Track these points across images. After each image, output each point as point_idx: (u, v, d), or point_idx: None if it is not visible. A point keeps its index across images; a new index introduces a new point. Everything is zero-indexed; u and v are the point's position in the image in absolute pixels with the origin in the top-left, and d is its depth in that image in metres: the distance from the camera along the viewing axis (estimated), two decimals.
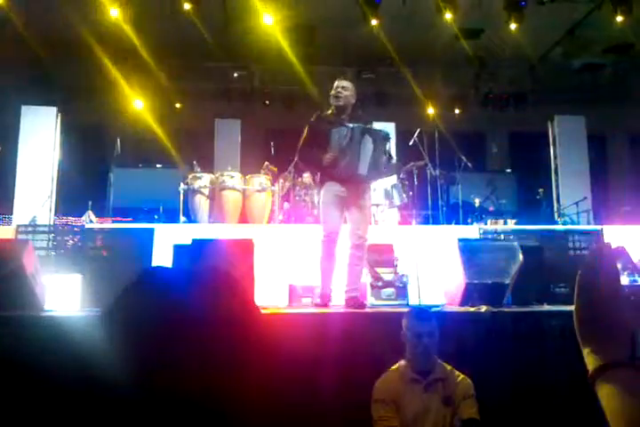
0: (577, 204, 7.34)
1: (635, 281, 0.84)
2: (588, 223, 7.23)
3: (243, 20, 7.08)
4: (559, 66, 8.58)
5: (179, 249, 4.00)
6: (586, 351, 0.77)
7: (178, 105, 8.76)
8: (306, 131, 4.39)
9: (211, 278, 0.78)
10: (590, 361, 0.76)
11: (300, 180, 6.91)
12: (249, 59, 8.25)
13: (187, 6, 6.69)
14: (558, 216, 7.65)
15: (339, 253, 4.42)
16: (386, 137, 4.39)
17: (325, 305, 4.22)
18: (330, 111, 4.43)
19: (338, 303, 4.35)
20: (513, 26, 6.95)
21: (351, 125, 4.24)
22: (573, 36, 7.74)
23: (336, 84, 4.42)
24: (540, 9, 6.83)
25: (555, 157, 8.39)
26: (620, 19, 6.62)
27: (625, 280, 0.82)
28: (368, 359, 3.20)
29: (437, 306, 4.18)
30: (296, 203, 6.60)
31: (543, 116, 8.53)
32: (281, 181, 6.56)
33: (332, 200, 4.29)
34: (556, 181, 8.34)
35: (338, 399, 3.13)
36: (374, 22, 6.79)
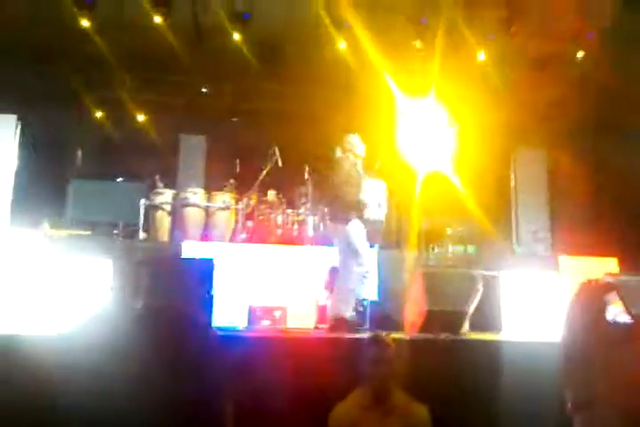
0: (534, 233, 7.49)
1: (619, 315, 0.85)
2: (546, 252, 7.36)
3: (213, 36, 7.07)
4: (525, 98, 8.81)
5: (138, 267, 3.89)
6: (567, 387, 0.81)
7: (141, 118, 8.61)
8: (350, 169, 4.87)
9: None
10: (568, 397, 0.81)
11: (264, 198, 6.86)
12: (218, 74, 8.22)
13: (157, 19, 6.64)
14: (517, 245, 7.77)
15: None
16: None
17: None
18: (354, 159, 4.97)
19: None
20: (482, 55, 7.16)
21: (382, 182, 5.41)
22: (539, 68, 7.99)
23: (357, 137, 5.00)
24: (507, 41, 7.03)
25: (515, 187, 8.57)
26: (580, 54, 6.89)
27: (611, 316, 0.84)
28: (326, 385, 3.14)
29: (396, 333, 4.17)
30: (260, 222, 6.54)
31: (505, 146, 8.71)
32: (245, 199, 6.50)
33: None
34: (516, 209, 8.49)
35: (293, 424, 3.06)
36: (343, 46, 6.87)
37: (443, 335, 3.75)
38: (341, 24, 6.95)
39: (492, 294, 4.92)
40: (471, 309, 4.19)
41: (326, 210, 6.46)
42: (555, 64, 7.78)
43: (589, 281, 0.86)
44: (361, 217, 4.86)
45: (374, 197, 5.56)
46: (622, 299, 0.84)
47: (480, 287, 4.25)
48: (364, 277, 4.77)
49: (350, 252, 4.83)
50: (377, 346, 2.84)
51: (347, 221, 4.82)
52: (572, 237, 7.06)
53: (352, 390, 2.84)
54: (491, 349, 3.62)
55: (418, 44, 7.04)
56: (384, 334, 3.18)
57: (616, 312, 0.84)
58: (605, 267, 5.59)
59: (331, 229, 5.07)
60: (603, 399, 0.75)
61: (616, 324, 0.82)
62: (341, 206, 4.85)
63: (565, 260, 6.02)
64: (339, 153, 4.96)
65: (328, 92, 8.64)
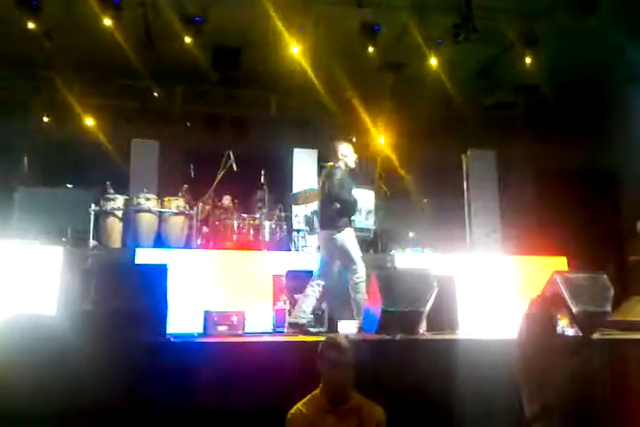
0: (487, 235, 7.66)
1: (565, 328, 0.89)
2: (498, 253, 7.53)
3: (165, 39, 6.97)
4: (473, 102, 9.03)
5: (87, 274, 3.79)
6: (523, 397, 0.84)
7: (91, 122, 8.39)
8: (342, 177, 4.98)
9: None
10: (526, 407, 0.84)
11: (220, 203, 6.78)
12: (170, 78, 8.10)
13: (107, 22, 6.49)
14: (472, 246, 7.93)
15: None
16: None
17: None
18: (349, 169, 5.12)
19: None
20: (433, 61, 7.28)
21: (371, 192, 5.50)
22: (486, 74, 8.21)
23: (350, 146, 5.13)
24: (456, 47, 7.18)
25: (468, 191, 8.75)
26: (528, 60, 7.08)
27: (562, 329, 0.88)
28: (283, 388, 3.11)
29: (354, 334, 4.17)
30: (215, 227, 6.45)
31: (458, 149, 8.89)
32: (200, 204, 6.40)
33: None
34: (469, 212, 8.66)
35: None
36: (295, 50, 6.88)
37: (399, 336, 3.77)
38: (297, 30, 6.97)
39: (448, 295, 4.99)
40: (427, 309, 4.22)
41: (317, 219, 6.59)
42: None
43: (538, 296, 0.91)
44: (352, 221, 5.03)
45: (364, 205, 5.56)
46: (570, 312, 0.89)
47: (435, 288, 4.29)
48: (357, 284, 4.81)
49: (345, 259, 4.92)
50: (334, 349, 2.83)
51: (341, 227, 4.92)
52: (523, 238, 7.26)
53: (310, 392, 2.83)
54: (446, 347, 3.67)
55: (370, 50, 7.10)
56: (342, 336, 3.18)
57: (564, 326, 0.89)
58: (555, 265, 5.76)
59: (323, 238, 5.10)
60: (557, 410, 0.80)
61: (564, 336, 0.87)
62: (338, 211, 4.94)
63: (516, 260, 6.18)
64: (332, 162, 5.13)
65: (283, 96, 8.66)
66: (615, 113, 8.31)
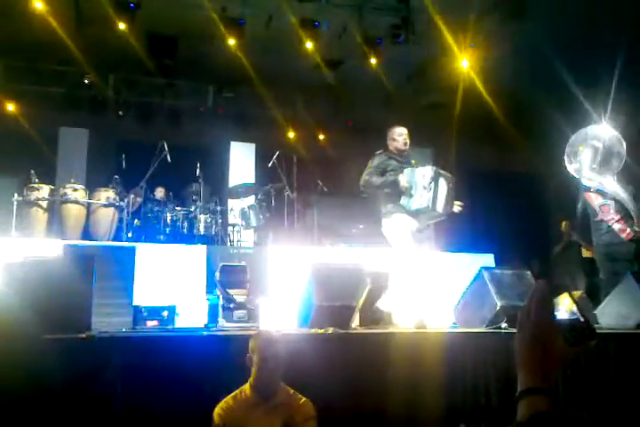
0: (420, 231, 7.81)
1: (572, 314, 0.91)
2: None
3: (97, 25, 6.69)
4: (411, 101, 9.19)
5: (9, 268, 3.58)
6: (519, 375, 0.95)
7: (12, 108, 7.92)
8: (378, 160, 4.90)
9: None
10: (519, 384, 0.94)
11: (152, 196, 6.61)
12: (103, 65, 7.79)
13: (38, 5, 6.17)
14: None
15: None
16: (454, 181, 4.97)
17: None
18: (395, 152, 4.99)
19: None
20: (372, 60, 7.34)
21: (430, 166, 4.85)
22: (422, 75, 8.38)
23: (400, 131, 5.01)
24: (394, 47, 7.28)
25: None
26: (462, 63, 7.28)
27: (564, 314, 0.91)
28: (212, 382, 3.06)
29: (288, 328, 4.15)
30: (147, 220, 6.29)
31: None
32: (131, 196, 6.21)
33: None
34: None
35: (178, 421, 2.96)
36: (232, 42, 6.77)
37: (331, 330, 3.78)
38: (235, 21, 6.86)
39: (381, 290, 5.06)
40: (359, 304, 4.26)
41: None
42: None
43: (541, 282, 0.96)
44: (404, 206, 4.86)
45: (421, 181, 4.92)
46: (574, 301, 0.94)
47: (368, 283, 4.34)
48: None
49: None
50: (264, 342, 2.81)
51: (386, 215, 4.93)
52: (455, 235, 7.47)
53: (238, 387, 2.79)
54: (377, 341, 3.70)
55: (309, 46, 7.07)
56: (272, 330, 3.15)
57: (566, 312, 0.93)
58: (482, 262, 5.96)
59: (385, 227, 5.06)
60: (546, 390, 0.90)
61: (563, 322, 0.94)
62: (383, 198, 4.93)
63: (447, 256, 6.36)
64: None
65: (221, 88, 8.52)
66: (544, 117, 8.66)
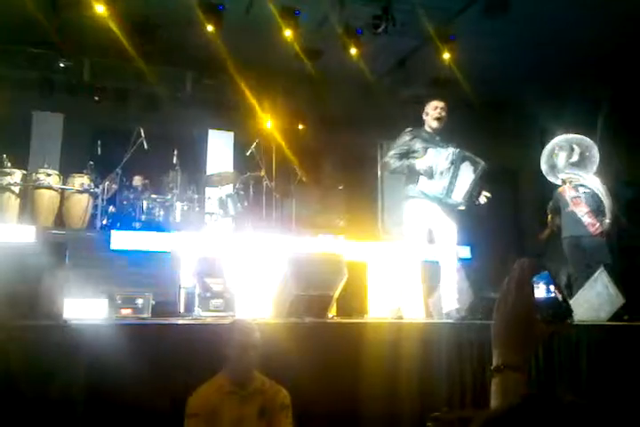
0: (399, 224, 7.86)
1: (549, 292, 0.91)
2: None
3: (74, 7, 6.51)
4: (391, 93, 9.17)
5: None
6: (495, 352, 0.97)
7: None
8: (403, 140, 4.44)
9: None
10: (495, 360, 0.96)
11: (128, 183, 6.50)
12: (79, 49, 7.61)
13: None
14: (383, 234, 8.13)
15: None
16: (483, 169, 4.42)
17: None
18: (428, 130, 4.51)
19: None
20: (352, 51, 7.28)
21: (452, 149, 4.28)
22: (403, 67, 8.35)
23: (435, 104, 4.49)
24: (375, 38, 7.24)
25: (381, 181, 8.94)
26: (446, 55, 7.28)
27: (541, 293, 0.91)
28: (187, 371, 3.03)
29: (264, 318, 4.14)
30: (123, 207, 6.19)
31: (374, 139, 9.04)
32: (107, 182, 6.10)
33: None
34: (382, 200, 8.87)
35: (152, 414, 2.92)
36: (210, 28, 6.65)
37: (308, 319, 3.78)
38: (215, 7, 6.74)
39: (359, 280, 5.07)
40: (337, 294, 4.26)
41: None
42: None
43: (522, 260, 0.96)
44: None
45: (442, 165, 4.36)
46: (553, 279, 0.96)
47: (345, 273, 4.34)
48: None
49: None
50: (241, 331, 2.79)
51: (405, 198, 4.53)
52: None
53: (213, 375, 2.77)
54: (354, 331, 3.71)
55: (288, 33, 6.97)
56: (248, 319, 3.14)
57: (544, 291, 0.94)
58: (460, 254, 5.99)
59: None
60: (519, 368, 0.92)
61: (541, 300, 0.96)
62: (404, 180, 4.52)
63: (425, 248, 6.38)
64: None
65: (200, 75, 8.40)
66: (521, 113, 8.73)
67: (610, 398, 3.42)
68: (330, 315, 4.39)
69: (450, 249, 4.46)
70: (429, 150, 4.35)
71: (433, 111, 4.51)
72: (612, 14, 6.61)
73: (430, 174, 4.29)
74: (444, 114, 4.52)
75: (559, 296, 0.95)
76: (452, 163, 4.27)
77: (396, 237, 7.62)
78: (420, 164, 4.30)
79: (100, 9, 6.36)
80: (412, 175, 4.41)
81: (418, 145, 4.42)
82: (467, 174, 4.35)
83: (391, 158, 4.47)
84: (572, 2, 6.47)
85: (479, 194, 4.48)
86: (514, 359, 0.94)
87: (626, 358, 3.73)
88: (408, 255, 4.62)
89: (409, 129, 4.55)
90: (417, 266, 4.55)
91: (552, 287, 0.96)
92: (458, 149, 4.35)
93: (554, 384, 3.59)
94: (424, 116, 4.59)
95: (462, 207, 4.51)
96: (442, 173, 4.27)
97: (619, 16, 6.63)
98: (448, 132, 4.69)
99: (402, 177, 4.64)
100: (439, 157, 4.31)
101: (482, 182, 4.48)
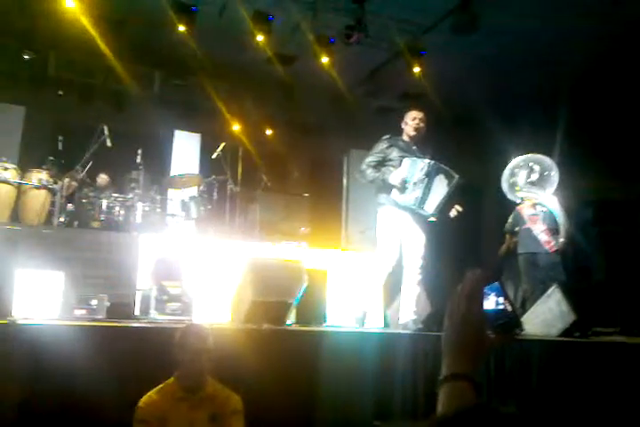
0: (362, 232, 7.90)
1: (499, 304, 0.92)
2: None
3: (42, 0, 6.37)
4: (361, 103, 9.24)
5: None
6: (444, 361, 0.98)
7: None
8: (379, 147, 4.47)
9: None
10: (444, 370, 0.97)
11: (89, 180, 6.36)
12: (44, 43, 7.42)
13: None
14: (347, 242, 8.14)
15: None
16: (458, 183, 4.41)
17: None
18: (405, 139, 4.56)
19: None
20: (324, 59, 7.31)
21: (428, 160, 4.30)
22: (373, 78, 8.45)
23: (414, 114, 4.55)
24: (347, 49, 7.29)
25: (347, 189, 8.97)
26: (416, 69, 7.38)
27: (491, 304, 0.92)
28: (137, 375, 2.97)
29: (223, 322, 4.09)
30: (82, 205, 6.04)
31: (341, 148, 9.08)
32: (67, 179, 5.94)
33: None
34: (346, 209, 8.89)
35: (99, 420, 2.84)
36: (182, 28, 6.58)
37: (265, 326, 3.75)
38: (188, 8, 6.68)
39: (319, 288, 5.06)
40: (295, 301, 4.24)
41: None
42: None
43: (472, 272, 0.97)
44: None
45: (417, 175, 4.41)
46: (503, 291, 0.98)
47: (305, 280, 4.33)
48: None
49: None
50: (195, 336, 2.75)
51: (378, 206, 4.56)
52: None
53: (166, 379, 2.71)
54: (311, 339, 3.70)
55: (260, 38, 6.95)
56: (203, 324, 3.09)
57: (494, 302, 0.96)
58: None
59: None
60: (467, 377, 0.93)
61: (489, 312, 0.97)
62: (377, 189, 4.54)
63: None
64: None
65: (169, 74, 8.30)
66: (485, 130, 8.90)
67: (555, 410, 3.50)
68: (289, 322, 4.37)
69: (415, 261, 4.47)
70: (405, 160, 4.38)
71: (411, 122, 4.58)
72: (578, 34, 6.82)
73: (403, 188, 4.33)
74: (422, 124, 4.57)
75: (508, 308, 0.97)
76: (426, 175, 4.30)
77: (360, 245, 7.68)
78: (393, 178, 4.32)
79: (71, 4, 6.23)
80: (385, 185, 4.44)
81: (394, 154, 4.45)
82: (440, 187, 4.38)
83: (368, 167, 4.46)
84: (541, 22, 6.65)
85: (451, 207, 4.49)
86: (462, 369, 0.95)
87: (574, 373, 3.82)
88: (375, 265, 4.64)
89: (386, 137, 4.56)
90: (382, 276, 4.56)
91: (501, 299, 0.97)
92: (433, 161, 4.38)
93: (504, 395, 3.65)
94: (402, 126, 4.66)
95: (434, 219, 4.52)
96: (415, 184, 4.30)
97: (585, 36, 6.84)
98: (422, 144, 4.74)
99: (371, 186, 4.67)
100: (414, 167, 4.33)
101: (454, 196, 4.50)
